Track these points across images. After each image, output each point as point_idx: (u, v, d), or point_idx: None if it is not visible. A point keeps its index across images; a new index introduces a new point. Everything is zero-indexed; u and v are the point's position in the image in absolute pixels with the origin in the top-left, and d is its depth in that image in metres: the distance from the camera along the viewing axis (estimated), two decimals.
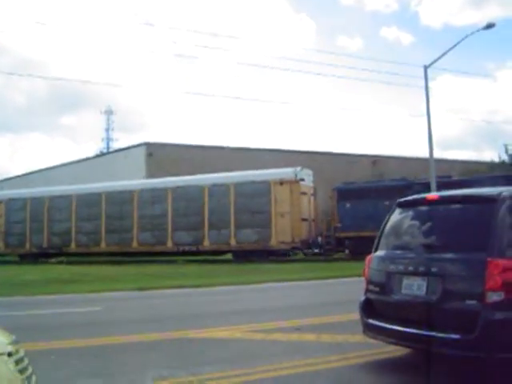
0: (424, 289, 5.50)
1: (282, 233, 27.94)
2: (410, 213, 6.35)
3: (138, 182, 34.60)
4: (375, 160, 46.73)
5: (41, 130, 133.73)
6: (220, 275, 20.34)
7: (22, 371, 3.37)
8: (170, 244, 30.47)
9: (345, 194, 29.00)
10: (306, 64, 55.10)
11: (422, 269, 5.58)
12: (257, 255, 27.76)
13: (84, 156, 60.26)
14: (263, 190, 28.47)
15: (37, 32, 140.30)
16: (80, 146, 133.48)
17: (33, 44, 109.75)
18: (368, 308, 6.23)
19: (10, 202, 35.39)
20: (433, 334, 5.24)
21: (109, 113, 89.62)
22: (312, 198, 29.53)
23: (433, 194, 7.11)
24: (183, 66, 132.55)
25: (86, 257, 32.99)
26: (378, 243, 6.49)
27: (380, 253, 6.38)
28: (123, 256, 31.72)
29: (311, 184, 29.71)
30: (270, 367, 6.12)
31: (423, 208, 6.26)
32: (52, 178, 44.98)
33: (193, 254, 30.09)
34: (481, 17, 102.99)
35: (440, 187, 22.69)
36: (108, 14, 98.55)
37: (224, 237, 29.16)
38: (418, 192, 8.28)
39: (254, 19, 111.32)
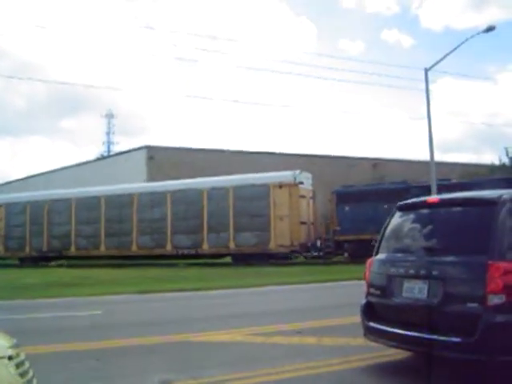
0: (425, 292, 5.50)
1: (280, 236, 27.94)
2: (411, 216, 6.35)
3: (138, 185, 34.63)
4: (376, 163, 46.78)
5: (41, 134, 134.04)
6: (220, 278, 20.33)
7: (22, 375, 3.37)
8: (169, 247, 30.48)
9: (344, 197, 29.00)
10: (306, 67, 55.33)
11: (422, 272, 5.58)
12: (256, 258, 27.73)
13: (85, 159, 60.42)
14: (262, 193, 28.47)
15: (37, 35, 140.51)
16: (81, 150, 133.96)
17: (33, 47, 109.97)
18: (369, 311, 6.23)
19: (10, 205, 35.43)
20: (434, 337, 5.23)
21: (109, 116, 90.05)
22: (311, 202, 29.53)
23: (433, 197, 7.12)
24: (184, 69, 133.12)
25: (86, 260, 33.02)
26: (379, 246, 6.49)
27: (381, 256, 6.38)
28: (122, 259, 31.72)
29: (310, 187, 29.71)
30: (272, 370, 6.11)
31: (424, 211, 6.26)
32: (53, 182, 45.03)
33: (192, 258, 30.07)
34: (482, 20, 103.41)
35: (440, 190, 22.72)
36: (109, 17, 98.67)
37: (223, 240, 29.16)
38: (418, 195, 8.28)
39: (254, 22, 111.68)
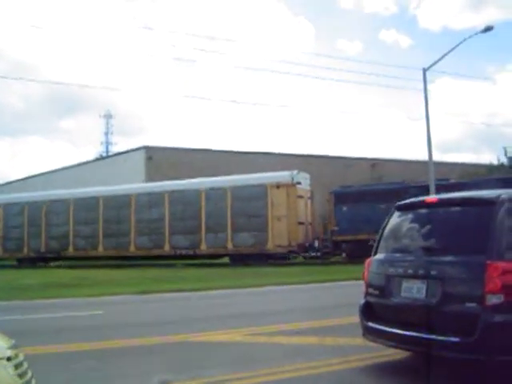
0: (423, 292, 5.50)
1: (278, 236, 27.93)
2: (409, 216, 6.35)
3: (135, 186, 34.58)
4: (374, 163, 46.79)
5: (40, 134, 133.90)
6: (219, 279, 20.33)
7: (21, 375, 3.36)
8: (167, 248, 30.46)
9: (342, 197, 29.00)
10: (304, 67, 55.42)
11: (421, 272, 5.58)
12: (254, 259, 27.73)
13: (83, 160, 60.41)
14: (260, 193, 28.47)
15: (34, 36, 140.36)
16: (79, 150, 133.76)
17: (31, 48, 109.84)
18: (368, 311, 6.23)
19: (8, 206, 35.38)
20: (433, 336, 5.24)
21: (108, 117, 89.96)
22: (309, 202, 29.51)
23: (432, 197, 7.13)
24: (182, 69, 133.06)
25: (84, 261, 33.00)
26: (378, 246, 6.50)
27: (379, 256, 6.39)
28: (121, 260, 31.69)
29: (308, 187, 29.69)
30: (272, 370, 6.12)
31: (422, 211, 6.27)
32: (52, 182, 44.97)
33: (190, 258, 30.06)
34: (480, 20, 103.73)
35: (438, 190, 22.74)
36: (107, 17, 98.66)
37: (221, 240, 29.16)
38: (416, 195, 8.28)
39: (253, 22, 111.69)
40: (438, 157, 45.45)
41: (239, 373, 6.06)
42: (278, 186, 28.15)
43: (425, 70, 26.26)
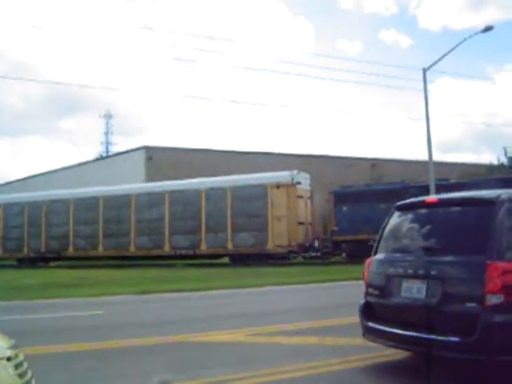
0: (423, 292, 5.50)
1: (278, 236, 27.93)
2: (409, 216, 6.35)
3: (135, 186, 34.58)
4: (374, 163, 46.78)
5: (40, 134, 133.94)
6: (219, 279, 20.33)
7: (21, 375, 3.36)
8: (167, 248, 30.46)
9: (342, 197, 29.00)
10: (304, 67, 55.41)
11: (421, 272, 5.58)
12: (254, 259, 27.73)
13: (84, 160, 60.42)
14: (260, 193, 28.47)
15: (34, 36, 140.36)
16: (79, 150, 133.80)
17: (31, 48, 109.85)
18: (368, 311, 6.23)
19: (8, 206, 35.39)
20: (432, 336, 5.24)
21: (108, 117, 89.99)
22: (309, 202, 29.52)
23: (432, 197, 7.13)
24: (182, 69, 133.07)
25: (84, 261, 33.00)
26: (378, 246, 6.49)
27: (379, 256, 6.39)
28: (121, 260, 31.69)
29: (308, 187, 29.70)
30: (273, 370, 6.11)
31: (422, 211, 6.26)
32: (52, 182, 44.96)
33: (190, 258, 30.06)
34: (479, 20, 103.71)
35: (438, 190, 22.74)
36: (107, 17, 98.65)
37: (221, 240, 29.16)
38: (416, 195, 8.28)
39: (253, 22, 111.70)
40: (437, 157, 45.49)
41: (239, 373, 6.06)
42: (278, 186, 28.15)
43: (425, 70, 26.26)
